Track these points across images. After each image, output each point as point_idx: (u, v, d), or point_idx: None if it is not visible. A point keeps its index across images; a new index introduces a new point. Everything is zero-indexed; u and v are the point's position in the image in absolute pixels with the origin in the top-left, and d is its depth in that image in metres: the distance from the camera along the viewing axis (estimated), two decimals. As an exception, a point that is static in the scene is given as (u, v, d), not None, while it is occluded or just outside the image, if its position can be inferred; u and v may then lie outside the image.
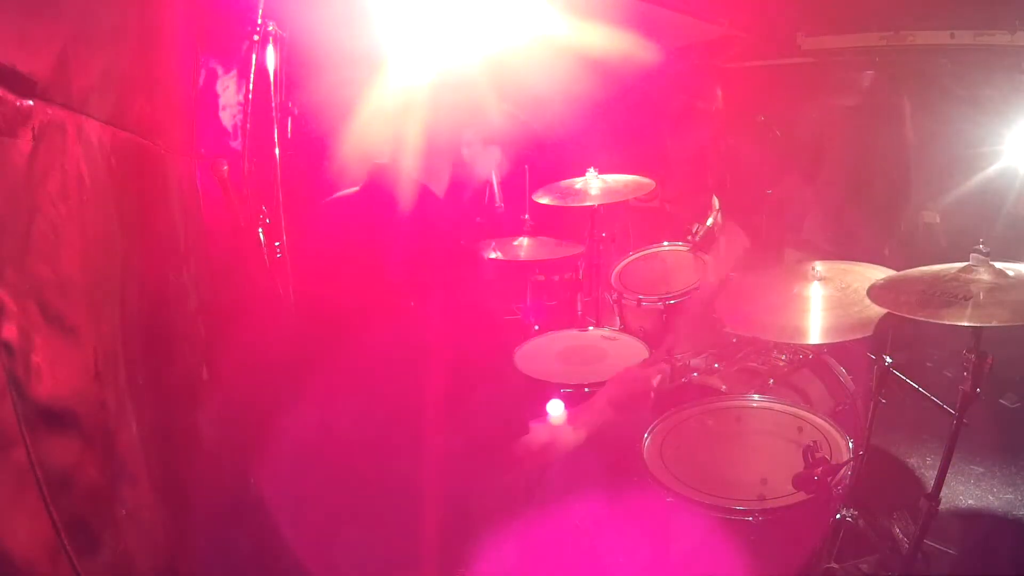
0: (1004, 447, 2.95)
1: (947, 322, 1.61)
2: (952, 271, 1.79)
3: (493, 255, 3.33)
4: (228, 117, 2.13)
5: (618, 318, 3.15)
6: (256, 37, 2.04)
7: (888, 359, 2.04)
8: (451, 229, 1.52)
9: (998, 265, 1.75)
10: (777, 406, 2.12)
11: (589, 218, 3.28)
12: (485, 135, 1.56)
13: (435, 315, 1.41)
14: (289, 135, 2.22)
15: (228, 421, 1.87)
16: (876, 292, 1.84)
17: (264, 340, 2.04)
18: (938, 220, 4.01)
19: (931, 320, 1.64)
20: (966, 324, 1.61)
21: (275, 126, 2.12)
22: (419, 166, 1.51)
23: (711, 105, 4.26)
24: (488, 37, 1.59)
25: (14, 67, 0.92)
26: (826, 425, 2.00)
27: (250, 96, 2.06)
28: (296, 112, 2.25)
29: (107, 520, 1.12)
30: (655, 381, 1.81)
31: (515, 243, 3.48)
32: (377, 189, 1.54)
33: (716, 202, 3.25)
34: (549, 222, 3.55)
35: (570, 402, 1.75)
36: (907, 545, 2.08)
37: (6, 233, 0.90)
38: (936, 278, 1.79)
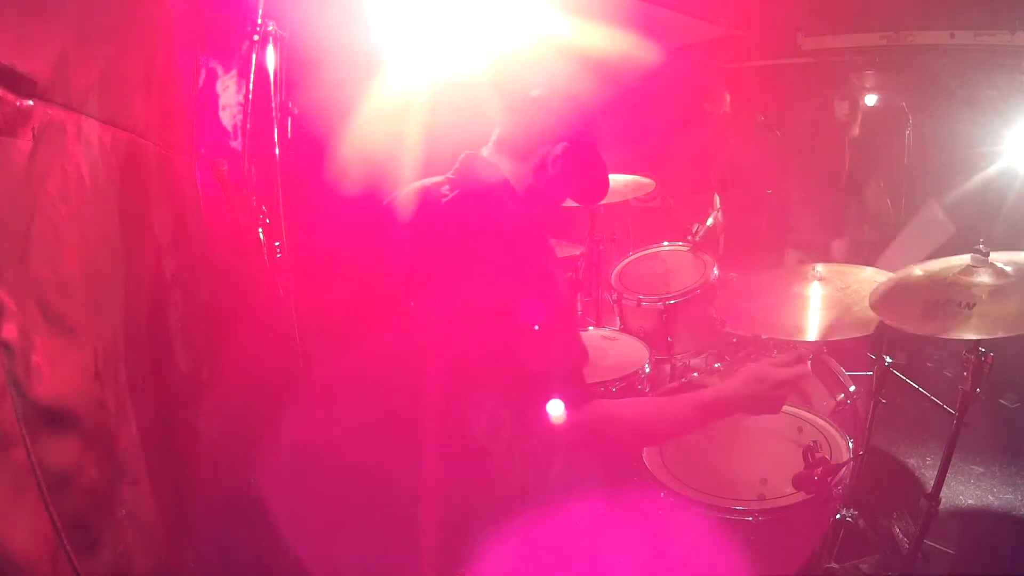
0: (1004, 447, 2.95)
1: (952, 336, 1.61)
2: (952, 272, 1.79)
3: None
4: (228, 117, 2.13)
5: (618, 318, 3.15)
6: (256, 37, 2.04)
7: (888, 359, 2.04)
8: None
9: (998, 263, 1.75)
10: (777, 406, 2.12)
11: (589, 218, 3.28)
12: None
13: (435, 315, 1.41)
14: (289, 135, 2.22)
15: (228, 421, 1.87)
16: (879, 303, 1.84)
17: (264, 340, 2.04)
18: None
19: (937, 335, 1.64)
20: (972, 338, 1.61)
21: (275, 126, 2.12)
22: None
23: (718, 108, 4.25)
24: (489, 37, 1.59)
25: (14, 67, 0.92)
26: (826, 425, 2.00)
27: (250, 96, 2.06)
28: (296, 112, 2.25)
29: (107, 520, 1.12)
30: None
31: (515, 243, 3.47)
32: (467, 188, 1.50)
33: (717, 201, 3.26)
34: (549, 222, 3.54)
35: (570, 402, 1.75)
36: (907, 545, 2.08)
37: (6, 233, 0.90)
38: (937, 283, 1.78)
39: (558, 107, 1.53)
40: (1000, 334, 1.58)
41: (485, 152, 1.55)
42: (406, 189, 1.53)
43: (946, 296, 1.72)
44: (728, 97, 4.25)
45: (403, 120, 1.87)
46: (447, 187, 1.49)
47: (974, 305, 1.66)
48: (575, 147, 1.53)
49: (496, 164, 1.51)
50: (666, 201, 4.26)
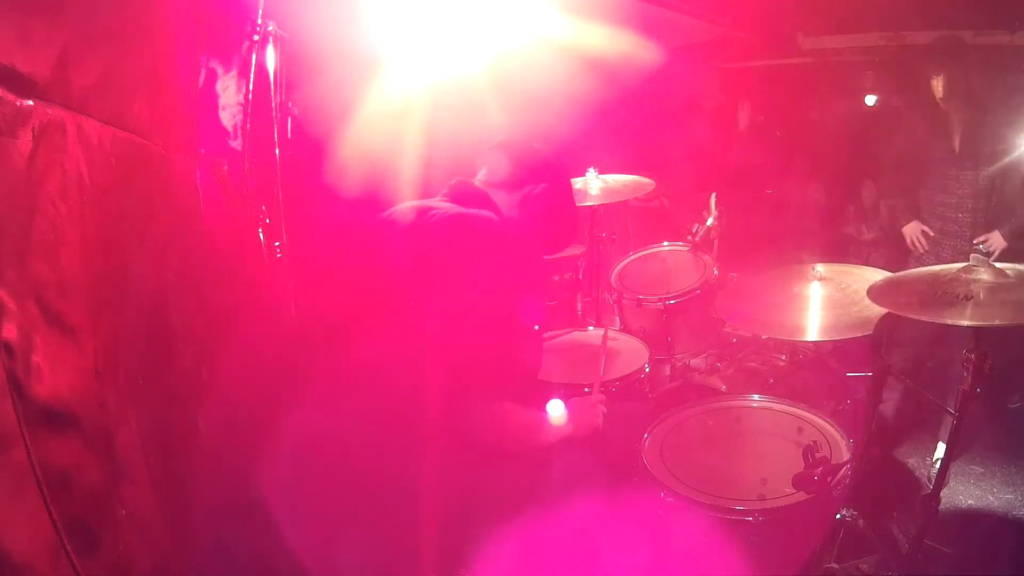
0: (1004, 447, 2.95)
1: (948, 322, 1.61)
2: (952, 271, 1.79)
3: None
4: (228, 117, 2.13)
5: (618, 318, 3.15)
6: (256, 37, 2.04)
7: (888, 359, 2.04)
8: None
9: (998, 264, 1.75)
10: (777, 406, 2.12)
11: (589, 218, 3.28)
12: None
13: (435, 315, 1.41)
14: (289, 135, 2.22)
15: (228, 421, 1.87)
16: (876, 292, 1.84)
17: (264, 340, 2.04)
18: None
19: (933, 320, 1.64)
20: (967, 324, 1.61)
21: (275, 126, 2.12)
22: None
23: (715, 104, 4.24)
24: (490, 38, 1.60)
25: (14, 67, 0.92)
26: (826, 425, 2.00)
27: (250, 96, 2.06)
28: (296, 112, 2.25)
29: (107, 520, 1.12)
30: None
31: (515, 243, 3.47)
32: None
33: (713, 202, 3.25)
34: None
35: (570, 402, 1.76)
36: (907, 545, 2.08)
37: (6, 233, 0.90)
38: (936, 278, 1.79)
39: (540, 149, 1.73)
40: (997, 322, 1.57)
41: (476, 181, 1.72)
42: (403, 205, 1.63)
43: (944, 289, 1.72)
44: (748, 105, 4.15)
45: (403, 120, 1.88)
46: (441, 202, 1.64)
47: (971, 297, 1.66)
48: (553, 190, 1.74)
49: (485, 192, 1.69)
50: (661, 201, 4.26)
